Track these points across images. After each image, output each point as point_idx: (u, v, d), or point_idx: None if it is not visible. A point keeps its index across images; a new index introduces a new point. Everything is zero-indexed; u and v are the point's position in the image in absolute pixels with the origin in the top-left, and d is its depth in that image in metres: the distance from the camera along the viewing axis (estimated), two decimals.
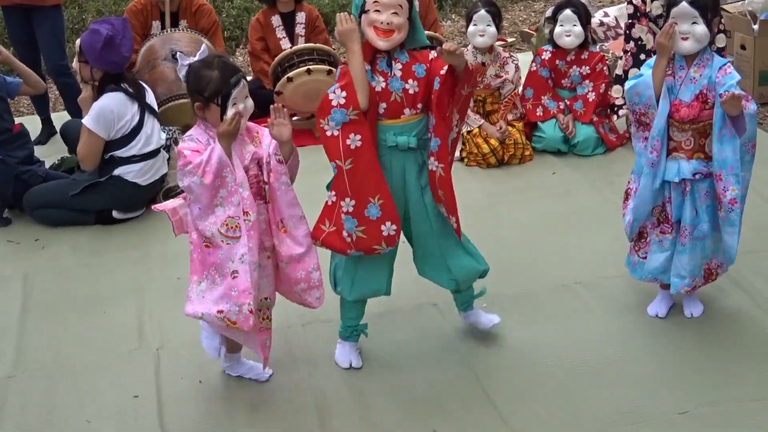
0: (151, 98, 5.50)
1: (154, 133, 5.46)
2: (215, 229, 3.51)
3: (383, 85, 3.62)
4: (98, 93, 5.32)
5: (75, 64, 5.39)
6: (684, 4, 3.78)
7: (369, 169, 3.61)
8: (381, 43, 3.57)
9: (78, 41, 5.31)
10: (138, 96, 5.38)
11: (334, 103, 3.57)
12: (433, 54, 3.65)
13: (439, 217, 3.78)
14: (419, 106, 3.66)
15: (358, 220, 3.66)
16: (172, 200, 3.69)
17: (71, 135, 6.00)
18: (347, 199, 3.65)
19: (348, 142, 3.59)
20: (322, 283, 3.73)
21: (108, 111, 5.26)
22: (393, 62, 3.64)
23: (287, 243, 3.64)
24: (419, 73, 3.63)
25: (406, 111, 3.65)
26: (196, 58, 3.61)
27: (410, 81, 3.62)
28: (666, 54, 3.82)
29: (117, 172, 5.38)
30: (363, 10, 3.57)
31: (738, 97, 3.66)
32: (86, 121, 5.28)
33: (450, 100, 3.61)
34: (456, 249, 3.85)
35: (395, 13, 3.53)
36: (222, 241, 3.51)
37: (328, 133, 3.61)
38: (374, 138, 3.64)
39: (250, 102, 3.59)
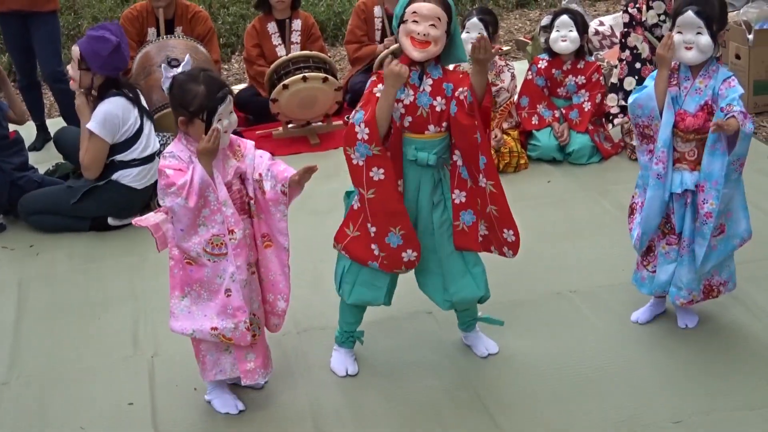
0: (144, 102, 5.53)
1: (151, 137, 5.49)
2: (200, 249, 3.48)
3: (411, 98, 3.61)
4: (99, 98, 5.32)
5: (73, 71, 5.35)
6: (689, 14, 3.76)
7: (390, 200, 3.62)
8: (416, 54, 3.55)
9: (76, 48, 5.29)
10: (137, 100, 5.40)
11: (359, 137, 3.56)
12: (462, 72, 3.66)
13: (443, 237, 3.77)
14: (444, 124, 3.64)
15: (380, 247, 3.67)
16: (153, 215, 3.63)
17: (65, 142, 6.01)
18: (368, 225, 3.67)
19: (371, 174, 3.59)
20: (284, 314, 3.74)
21: (113, 115, 5.27)
22: (425, 77, 3.63)
23: (269, 263, 3.65)
24: (448, 91, 3.62)
25: (431, 127, 3.63)
26: (180, 70, 3.57)
27: (438, 98, 3.60)
28: (666, 65, 3.81)
29: (115, 176, 5.39)
30: (402, 20, 3.56)
31: (724, 127, 3.65)
32: (91, 125, 5.27)
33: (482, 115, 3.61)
34: (457, 270, 3.82)
35: (433, 24, 3.51)
36: (208, 259, 3.49)
37: (354, 162, 3.61)
38: (399, 165, 3.64)
39: (234, 117, 3.55)
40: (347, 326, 4.00)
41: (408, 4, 3.54)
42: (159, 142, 5.64)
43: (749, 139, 3.77)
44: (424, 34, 3.51)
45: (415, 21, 3.52)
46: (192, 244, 3.48)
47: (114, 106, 5.28)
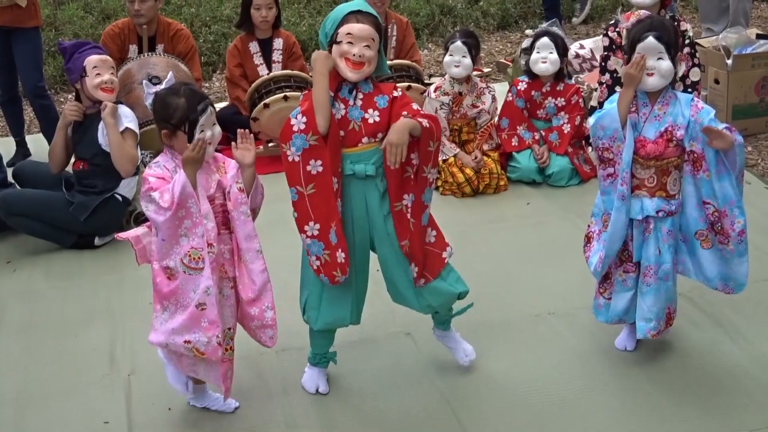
0: None
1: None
2: (178, 260, 3.50)
3: (343, 112, 3.63)
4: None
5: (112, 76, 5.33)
6: (650, 39, 3.78)
7: (329, 195, 3.61)
8: (351, 75, 3.58)
9: (104, 57, 5.34)
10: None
11: (295, 128, 3.57)
12: (398, 92, 3.68)
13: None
14: (379, 135, 3.65)
15: (324, 244, 3.67)
16: (136, 228, 3.68)
17: (26, 176, 5.87)
18: (311, 223, 3.65)
19: (309, 168, 3.59)
20: (275, 323, 3.72)
21: (131, 114, 5.40)
22: (355, 91, 3.65)
23: (245, 279, 3.65)
24: (381, 103, 3.65)
25: (364, 139, 3.65)
26: (163, 86, 3.60)
27: (370, 110, 3.63)
28: (633, 85, 3.82)
29: (119, 189, 5.45)
30: (334, 41, 3.59)
31: (718, 131, 3.69)
32: (129, 124, 5.33)
33: (419, 157, 3.64)
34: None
35: (367, 45, 3.55)
36: (184, 271, 3.50)
37: (290, 159, 3.60)
38: (336, 163, 3.63)
39: (217, 129, 3.58)
40: (318, 348, 3.99)
41: (341, 25, 3.57)
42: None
43: (743, 148, 3.81)
44: (359, 56, 3.55)
45: (350, 42, 3.55)
46: (172, 253, 3.50)
47: (125, 107, 5.43)
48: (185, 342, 3.54)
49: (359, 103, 3.64)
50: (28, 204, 5.44)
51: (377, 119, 3.64)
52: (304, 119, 3.56)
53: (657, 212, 3.89)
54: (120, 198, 5.45)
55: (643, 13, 5.65)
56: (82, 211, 5.38)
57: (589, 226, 4.12)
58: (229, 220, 3.63)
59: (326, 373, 4.04)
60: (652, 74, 3.79)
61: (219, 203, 3.60)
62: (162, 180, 3.49)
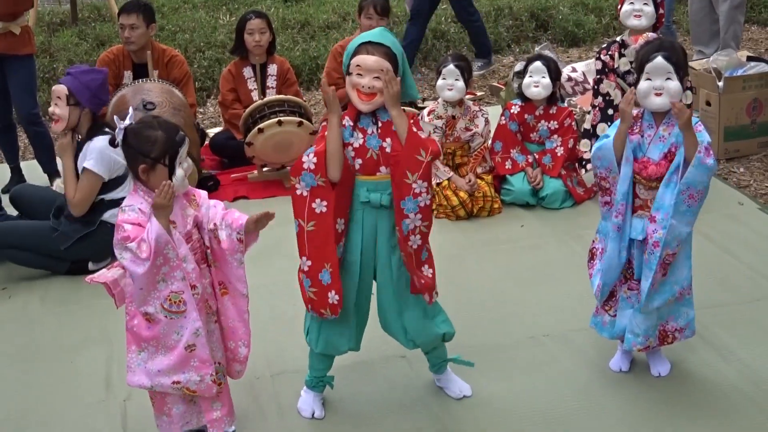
0: None
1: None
2: (158, 304, 3.44)
3: (361, 141, 3.65)
4: (88, 137, 5.31)
5: (61, 110, 5.30)
6: (659, 59, 3.81)
7: (328, 236, 3.64)
8: (362, 106, 3.62)
9: (61, 87, 5.28)
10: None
11: (305, 166, 3.61)
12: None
13: (401, 279, 3.79)
14: None
15: (312, 281, 3.70)
16: (111, 271, 3.59)
17: (22, 200, 5.90)
18: (304, 258, 3.69)
19: (314, 205, 3.62)
20: (246, 361, 3.73)
21: (109, 150, 5.24)
22: (374, 120, 3.67)
23: (227, 310, 3.64)
24: None
25: (382, 169, 3.67)
26: (127, 122, 3.51)
27: (388, 140, 3.64)
28: (627, 120, 3.85)
29: (105, 216, 5.38)
30: (348, 72, 3.63)
31: (683, 108, 3.70)
32: (88, 164, 5.25)
33: (403, 162, 3.62)
34: (413, 311, 3.84)
35: (377, 77, 3.57)
36: (165, 316, 3.45)
37: (298, 192, 3.65)
38: (344, 206, 3.66)
39: (189, 161, 3.56)
40: (317, 372, 4.00)
41: (353, 56, 3.61)
42: None
43: (705, 172, 3.75)
44: (369, 87, 3.58)
45: (359, 74, 3.59)
46: (150, 299, 3.44)
47: (106, 142, 5.26)
48: (173, 383, 3.52)
49: (377, 131, 3.66)
50: (18, 236, 5.45)
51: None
52: (315, 160, 3.59)
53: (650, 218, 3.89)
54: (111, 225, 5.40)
55: (651, 35, 5.69)
56: (63, 240, 5.39)
57: (593, 241, 4.16)
58: (207, 254, 3.62)
59: (322, 398, 4.05)
60: (660, 94, 3.82)
61: (196, 238, 3.58)
62: (138, 227, 3.40)
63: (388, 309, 3.85)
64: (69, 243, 5.37)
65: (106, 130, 5.32)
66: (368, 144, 3.66)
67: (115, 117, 3.67)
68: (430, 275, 3.76)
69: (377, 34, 3.65)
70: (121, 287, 3.54)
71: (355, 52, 3.62)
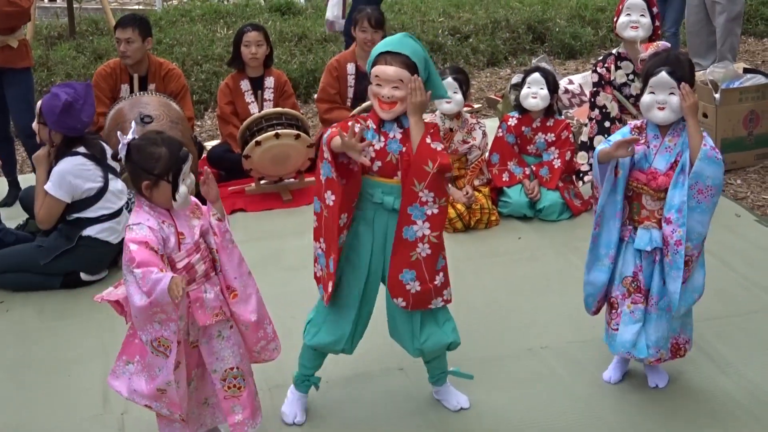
0: (111, 160, 5.43)
1: (119, 191, 5.47)
2: (148, 339, 3.40)
3: (382, 144, 3.68)
4: (56, 157, 5.30)
5: (34, 124, 5.40)
6: (663, 74, 3.83)
7: (333, 227, 3.68)
8: (384, 115, 3.66)
9: (39, 102, 5.33)
10: (101, 158, 5.38)
11: (325, 155, 3.65)
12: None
13: None
14: None
15: (326, 263, 3.76)
16: (119, 289, 3.56)
17: (30, 202, 5.92)
18: (321, 239, 3.76)
19: (326, 195, 3.67)
20: (276, 334, 3.75)
21: (69, 175, 5.23)
22: (396, 125, 3.70)
23: (241, 307, 3.62)
24: None
25: (399, 173, 3.69)
26: (130, 137, 3.51)
27: (408, 145, 3.66)
28: (606, 160, 3.89)
29: (86, 232, 5.36)
30: (369, 81, 3.68)
31: (690, 92, 3.74)
32: (47, 186, 5.24)
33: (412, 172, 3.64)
34: (425, 317, 3.84)
35: (396, 86, 3.61)
36: (151, 351, 3.42)
37: (321, 177, 3.70)
38: (350, 201, 3.71)
39: (192, 177, 3.55)
40: (305, 369, 4.02)
41: (373, 65, 3.64)
42: (133, 200, 5.65)
43: (712, 165, 3.76)
44: (389, 97, 3.61)
45: (378, 84, 3.62)
46: (145, 330, 3.39)
47: (70, 165, 5.26)
48: (146, 405, 3.52)
49: (399, 136, 3.69)
50: (9, 259, 5.46)
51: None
52: (329, 153, 3.63)
53: (665, 220, 3.89)
54: (99, 240, 5.40)
55: (661, 44, 5.69)
56: (44, 255, 5.39)
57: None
58: (215, 261, 3.62)
59: (306, 402, 4.06)
60: (663, 108, 3.84)
61: (203, 247, 3.58)
62: (145, 248, 3.35)
63: (398, 314, 3.85)
64: (49, 258, 5.37)
65: (78, 151, 5.29)
66: (389, 148, 3.68)
67: (117, 132, 3.66)
68: (440, 284, 3.77)
69: (396, 42, 3.67)
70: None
71: (375, 62, 3.65)
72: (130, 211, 5.53)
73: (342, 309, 3.82)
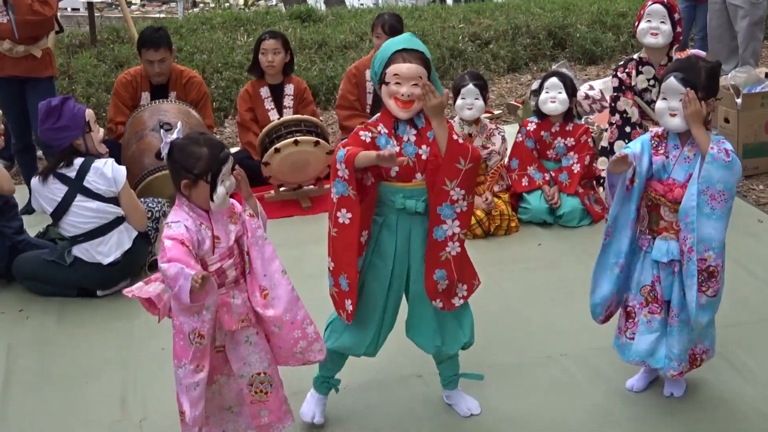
0: (93, 178, 5.29)
1: (94, 213, 5.32)
2: (188, 329, 3.43)
3: (397, 148, 3.64)
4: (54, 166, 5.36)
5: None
6: (672, 80, 3.78)
7: (348, 247, 3.65)
8: (402, 114, 3.63)
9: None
10: (77, 180, 5.29)
11: (339, 174, 3.60)
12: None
13: None
14: None
15: (333, 282, 3.73)
16: (151, 285, 3.57)
17: None
18: (330, 258, 3.73)
19: (338, 214, 3.62)
20: (319, 335, 3.71)
21: (36, 192, 5.35)
22: (408, 127, 3.68)
23: (272, 306, 3.58)
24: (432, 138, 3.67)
25: (418, 175, 3.67)
26: (175, 136, 3.53)
27: (423, 146, 3.65)
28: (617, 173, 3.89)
29: (74, 252, 5.36)
30: (383, 81, 3.63)
31: (693, 99, 3.70)
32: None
33: (444, 170, 3.61)
34: (449, 318, 3.85)
35: (415, 84, 3.58)
36: (192, 342, 3.45)
37: (332, 196, 3.66)
38: (369, 216, 3.69)
39: (232, 179, 3.55)
40: (325, 371, 4.01)
41: (387, 65, 3.61)
42: (155, 208, 5.66)
43: (722, 169, 3.70)
44: (408, 95, 3.58)
45: (397, 83, 3.59)
46: (187, 320, 3.42)
47: (36, 181, 5.37)
48: (181, 412, 3.52)
49: (413, 138, 3.67)
50: (31, 265, 5.48)
51: (429, 155, 3.66)
52: (348, 172, 3.57)
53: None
54: (84, 261, 5.36)
55: (693, 52, 5.67)
56: (53, 269, 5.42)
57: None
58: (245, 266, 3.60)
59: (325, 403, 4.06)
60: (674, 115, 3.79)
61: (237, 253, 3.59)
62: (179, 245, 3.39)
63: (422, 314, 3.84)
64: (55, 275, 5.40)
65: (59, 171, 5.28)
66: (404, 151, 3.66)
67: (161, 131, 3.70)
68: (462, 281, 3.79)
69: (408, 40, 3.66)
70: (165, 301, 3.52)
71: (390, 61, 3.61)
72: (157, 223, 5.54)
73: (366, 313, 3.80)
